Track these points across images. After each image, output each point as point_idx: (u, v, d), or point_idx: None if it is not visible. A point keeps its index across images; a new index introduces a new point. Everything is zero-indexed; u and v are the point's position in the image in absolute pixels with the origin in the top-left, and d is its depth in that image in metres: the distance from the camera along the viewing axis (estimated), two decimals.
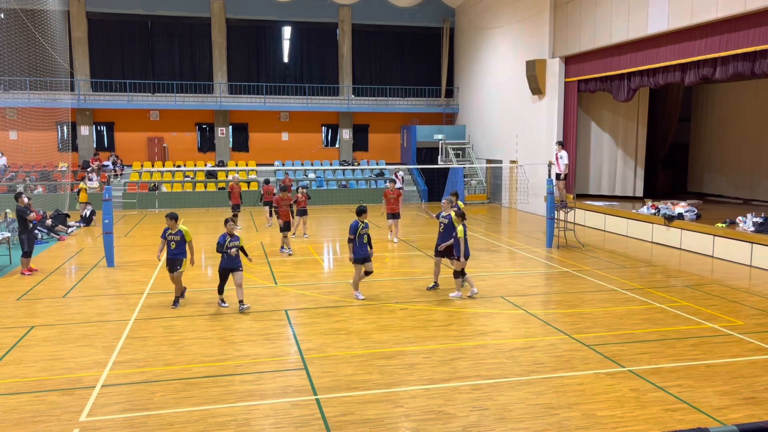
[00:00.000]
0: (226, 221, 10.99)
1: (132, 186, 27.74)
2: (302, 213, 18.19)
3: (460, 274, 11.65)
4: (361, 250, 11.37)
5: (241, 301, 10.85)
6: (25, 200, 14.14)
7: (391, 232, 18.19)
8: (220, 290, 11.08)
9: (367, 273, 11.64)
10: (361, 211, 11.50)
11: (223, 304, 11.07)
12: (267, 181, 21.20)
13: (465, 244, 11.46)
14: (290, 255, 15.99)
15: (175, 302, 11.26)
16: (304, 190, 18.30)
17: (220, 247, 10.77)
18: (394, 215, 17.90)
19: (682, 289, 12.60)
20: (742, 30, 15.47)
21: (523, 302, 11.46)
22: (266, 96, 31.20)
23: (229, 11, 30.51)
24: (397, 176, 28.55)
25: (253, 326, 10.01)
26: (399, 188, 28.41)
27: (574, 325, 10.02)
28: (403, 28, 32.61)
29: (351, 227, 11.37)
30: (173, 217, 11.11)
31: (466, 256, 11.54)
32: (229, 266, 10.82)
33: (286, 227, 16.26)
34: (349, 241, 11.35)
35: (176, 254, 11.09)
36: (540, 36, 24.08)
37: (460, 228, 11.39)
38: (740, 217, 16.14)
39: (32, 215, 14.15)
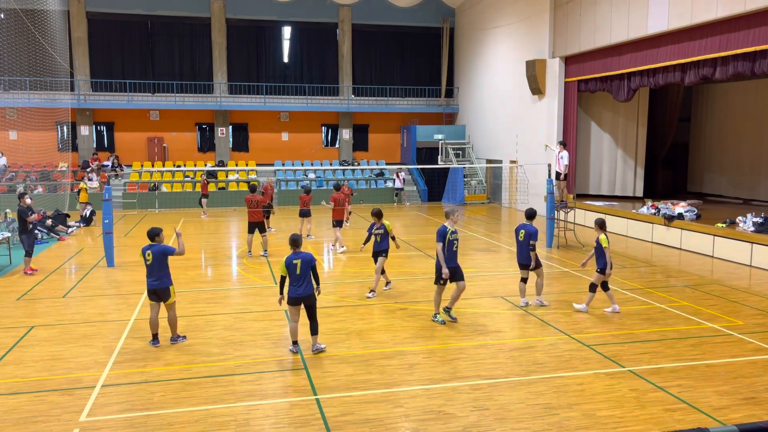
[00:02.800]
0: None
1: (132, 186, 27.74)
2: (305, 214, 18.09)
3: (595, 287, 10.71)
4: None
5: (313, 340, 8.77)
6: (28, 201, 14.15)
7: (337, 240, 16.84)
8: (295, 332, 8.74)
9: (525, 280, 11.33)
10: (532, 215, 11.10)
11: (293, 349, 8.75)
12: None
13: (605, 255, 10.52)
14: (264, 256, 15.72)
15: (174, 339, 9.23)
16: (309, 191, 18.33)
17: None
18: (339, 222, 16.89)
19: (682, 289, 12.60)
20: (742, 30, 15.47)
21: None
22: (266, 96, 31.20)
23: (229, 11, 30.51)
24: (398, 176, 28.62)
25: (253, 326, 10.01)
26: (399, 188, 28.67)
27: (574, 325, 10.01)
28: (403, 28, 32.61)
29: (535, 233, 10.95)
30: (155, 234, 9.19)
31: (606, 269, 10.59)
32: (297, 295, 8.53)
33: (261, 228, 15.75)
34: (533, 248, 10.89)
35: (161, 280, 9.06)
36: (540, 36, 24.08)
37: (603, 237, 10.54)
38: (740, 217, 16.14)
39: (33, 216, 14.16)
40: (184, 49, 30.63)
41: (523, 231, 10.98)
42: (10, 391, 7.46)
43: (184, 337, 9.34)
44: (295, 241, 8.71)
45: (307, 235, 18.54)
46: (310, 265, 8.54)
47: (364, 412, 6.89)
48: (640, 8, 18.67)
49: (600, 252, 10.58)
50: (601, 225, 10.80)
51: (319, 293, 8.78)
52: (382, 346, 9.07)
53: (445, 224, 9.95)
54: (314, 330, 8.69)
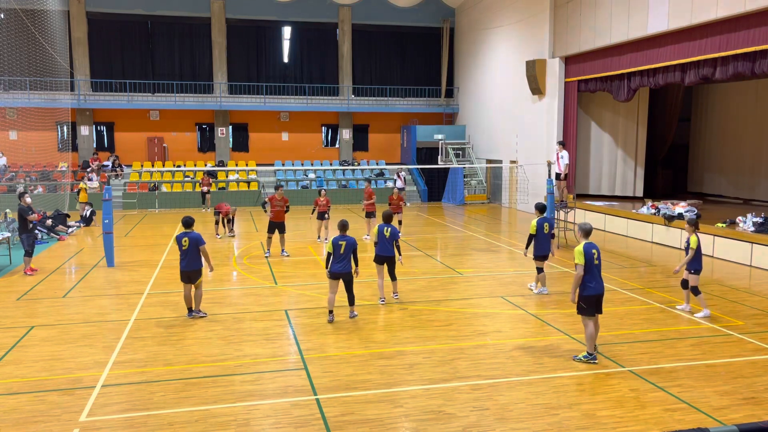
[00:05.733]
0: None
1: (132, 186, 27.74)
2: (322, 216, 17.61)
3: (697, 290, 10.56)
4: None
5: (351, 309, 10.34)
6: (28, 200, 14.14)
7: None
8: (332, 302, 10.26)
9: None
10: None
11: (330, 318, 10.21)
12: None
13: (697, 257, 10.41)
14: (267, 257, 15.72)
15: (190, 312, 10.48)
16: (324, 192, 17.90)
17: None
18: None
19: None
20: (742, 30, 15.47)
21: (523, 302, 11.46)
22: (266, 96, 31.19)
23: (229, 11, 30.51)
24: (399, 176, 28.58)
25: (253, 326, 10.01)
26: (400, 188, 28.61)
27: (574, 325, 9.99)
28: (403, 28, 32.61)
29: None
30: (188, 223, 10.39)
31: (697, 270, 10.50)
32: (337, 270, 10.08)
33: (281, 229, 15.82)
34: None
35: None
36: (540, 36, 24.08)
37: (693, 238, 10.36)
38: (740, 217, 16.14)
39: (33, 216, 14.15)
40: (184, 49, 30.63)
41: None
42: (10, 391, 7.46)
43: (205, 314, 10.46)
44: (344, 226, 10.27)
45: (325, 238, 17.96)
46: (352, 248, 10.14)
47: (364, 412, 6.89)
48: (640, 8, 18.67)
49: (689, 252, 10.46)
50: (694, 224, 10.57)
51: (357, 274, 10.36)
52: (382, 346, 9.07)
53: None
54: (351, 301, 10.32)
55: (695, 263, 10.47)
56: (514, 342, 9.29)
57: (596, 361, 8.31)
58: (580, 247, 8.24)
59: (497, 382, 7.72)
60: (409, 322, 10.28)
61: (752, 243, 14.88)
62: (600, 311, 8.39)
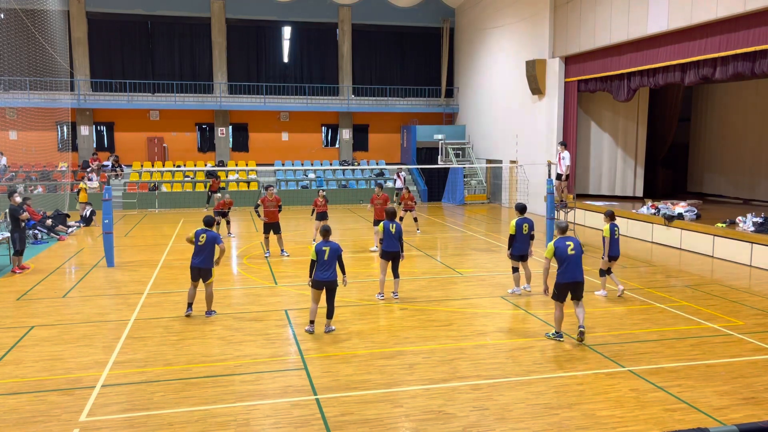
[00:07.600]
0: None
1: (132, 186, 27.74)
2: (322, 217, 17.18)
3: (606, 272, 11.77)
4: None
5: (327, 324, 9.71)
6: (17, 199, 14.12)
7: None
8: (314, 312, 9.71)
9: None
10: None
11: (309, 328, 9.62)
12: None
13: (610, 245, 11.46)
14: (267, 257, 15.72)
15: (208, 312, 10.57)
16: (323, 193, 17.57)
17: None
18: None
19: (682, 289, 12.60)
20: (742, 30, 15.47)
21: (523, 302, 11.46)
22: (266, 96, 31.20)
23: (229, 11, 30.51)
24: (399, 176, 28.56)
25: (253, 326, 10.01)
26: (400, 188, 28.57)
27: (574, 325, 9.99)
28: (403, 28, 32.61)
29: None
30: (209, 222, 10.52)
31: (610, 257, 11.56)
32: (322, 279, 9.48)
33: (276, 229, 15.77)
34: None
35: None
36: (540, 36, 24.08)
37: (606, 227, 11.53)
38: (740, 217, 16.14)
39: (25, 215, 14.12)
40: (184, 49, 30.64)
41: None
42: (10, 391, 7.46)
43: (215, 311, 10.57)
44: (327, 232, 9.76)
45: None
46: (336, 254, 9.52)
47: (364, 412, 6.89)
48: (640, 8, 18.67)
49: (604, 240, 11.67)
50: (609, 215, 11.78)
51: (345, 283, 9.91)
52: (382, 346, 9.07)
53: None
54: (329, 314, 9.65)
55: (609, 249, 11.57)
56: (514, 342, 9.29)
57: (562, 339, 9.22)
58: (551, 243, 9.20)
59: (497, 382, 7.72)
60: (409, 322, 10.28)
61: (752, 243, 14.88)
62: (578, 297, 9.17)
